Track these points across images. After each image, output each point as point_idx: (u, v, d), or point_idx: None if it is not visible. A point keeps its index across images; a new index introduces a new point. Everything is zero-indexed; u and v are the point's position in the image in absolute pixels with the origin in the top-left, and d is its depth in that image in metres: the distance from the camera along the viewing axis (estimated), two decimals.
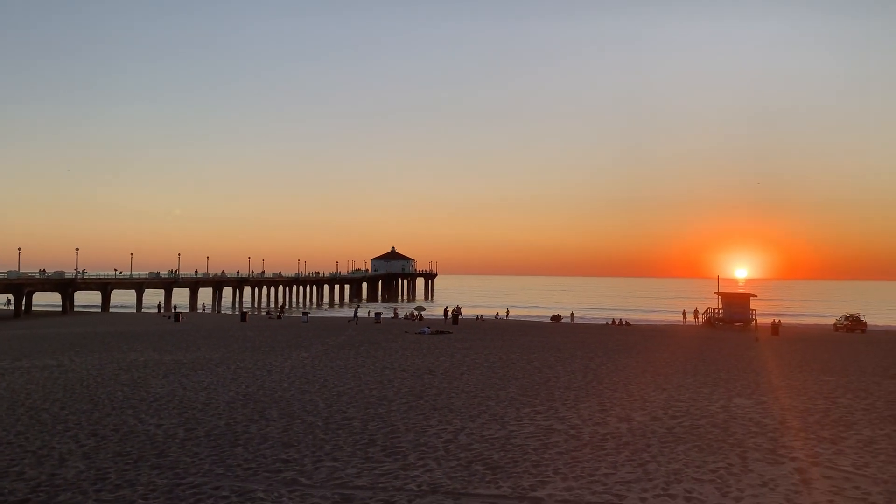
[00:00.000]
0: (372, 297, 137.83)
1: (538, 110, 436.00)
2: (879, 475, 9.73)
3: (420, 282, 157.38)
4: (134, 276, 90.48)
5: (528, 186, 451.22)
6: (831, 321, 66.21)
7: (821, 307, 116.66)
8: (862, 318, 61.21)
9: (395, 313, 73.39)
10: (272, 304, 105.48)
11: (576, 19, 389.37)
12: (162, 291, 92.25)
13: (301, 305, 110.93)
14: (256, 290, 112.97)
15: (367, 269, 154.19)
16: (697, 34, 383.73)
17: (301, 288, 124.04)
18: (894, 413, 15.01)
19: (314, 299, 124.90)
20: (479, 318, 66.94)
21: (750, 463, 10.46)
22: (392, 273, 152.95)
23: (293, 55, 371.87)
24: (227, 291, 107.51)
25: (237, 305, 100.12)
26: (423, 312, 69.87)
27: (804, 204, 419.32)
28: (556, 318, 73.10)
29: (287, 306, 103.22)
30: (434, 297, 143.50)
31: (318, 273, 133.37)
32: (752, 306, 59.21)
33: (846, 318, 61.20)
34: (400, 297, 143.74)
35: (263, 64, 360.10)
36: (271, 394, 17.44)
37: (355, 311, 60.36)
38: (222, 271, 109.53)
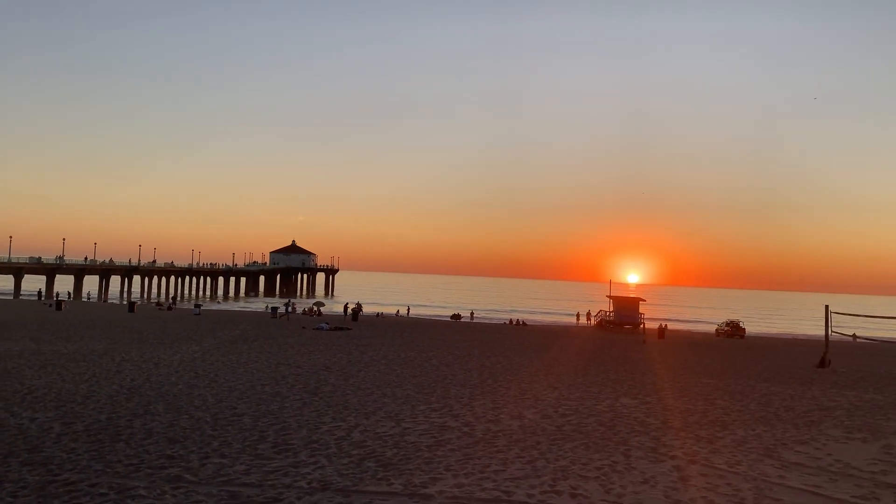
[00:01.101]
0: (269, 292, 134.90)
1: (443, 109, 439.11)
2: (750, 473, 10.32)
3: (320, 277, 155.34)
4: (12, 261, 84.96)
5: (433, 185, 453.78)
6: (713, 327, 69.85)
7: (704, 313, 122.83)
8: (741, 324, 64.97)
9: (294, 308, 72.12)
10: (163, 296, 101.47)
11: (470, 19, 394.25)
12: (44, 278, 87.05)
13: (194, 297, 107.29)
14: (147, 279, 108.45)
15: (266, 263, 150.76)
16: (591, 34, 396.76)
17: (194, 279, 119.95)
18: (766, 414, 15.97)
19: (208, 292, 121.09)
20: (379, 316, 66.75)
21: (633, 461, 10.88)
22: (291, 267, 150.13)
23: (192, 48, 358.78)
24: (116, 280, 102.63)
25: (125, 295, 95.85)
26: (322, 308, 68.93)
27: (692, 214, 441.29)
28: (457, 316, 73.83)
29: (179, 298, 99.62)
30: (334, 293, 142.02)
31: (214, 265, 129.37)
32: (641, 310, 61.73)
33: (727, 324, 64.73)
34: (299, 292, 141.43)
35: (158, 55, 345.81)
36: (158, 388, 16.78)
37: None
38: (111, 259, 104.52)
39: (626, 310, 61.59)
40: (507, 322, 68.03)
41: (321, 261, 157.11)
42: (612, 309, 62.65)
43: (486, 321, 71.65)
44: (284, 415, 13.87)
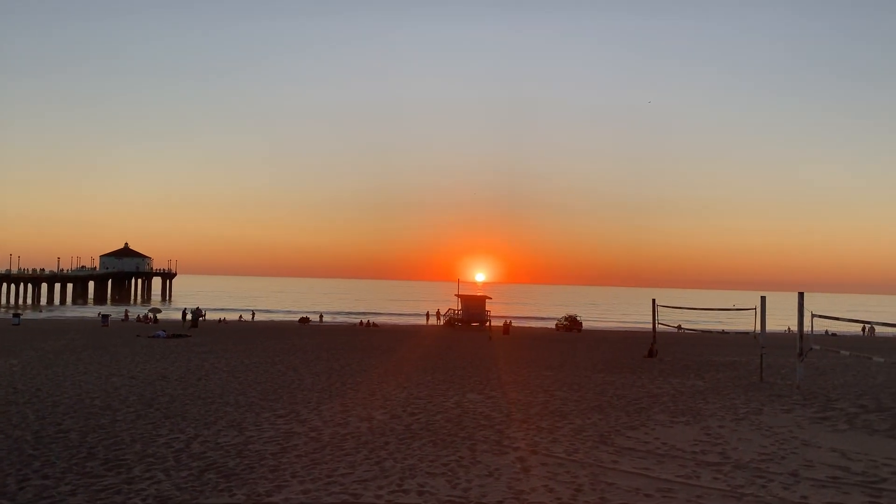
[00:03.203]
0: (100, 298, 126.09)
1: (295, 110, 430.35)
2: (586, 460, 10.87)
3: (157, 281, 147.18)
4: None
5: (279, 185, 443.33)
6: (554, 322, 73.25)
7: (546, 309, 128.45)
8: (578, 318, 68.70)
9: (127, 315, 67.89)
10: None
11: (312, 19, 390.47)
12: None
13: (13, 306, 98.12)
14: None
15: (96, 267, 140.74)
16: (435, 35, 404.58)
17: (13, 286, 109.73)
18: (600, 403, 16.90)
19: (30, 300, 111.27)
20: (221, 322, 64.24)
21: (478, 455, 11.13)
22: (124, 271, 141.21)
23: (13, 35, 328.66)
24: None
25: None
26: (158, 314, 65.37)
27: (534, 214, 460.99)
28: (305, 320, 72.51)
29: None
30: (172, 299, 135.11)
31: (37, 270, 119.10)
32: (487, 308, 63.61)
33: (566, 318, 68.21)
34: (133, 298, 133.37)
35: None
36: None
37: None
38: None
39: (473, 308, 63.24)
40: (358, 324, 67.77)
41: (157, 264, 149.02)
42: (460, 307, 64.08)
43: (337, 324, 71.01)
44: (117, 429, 12.99)
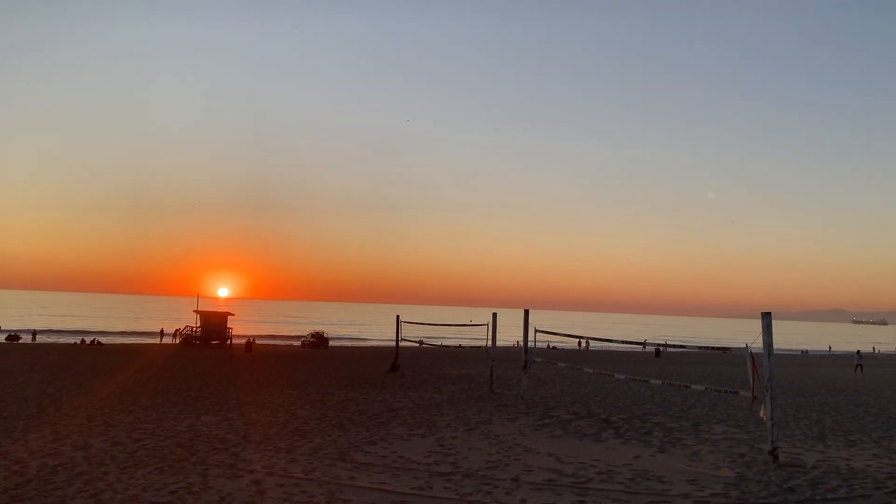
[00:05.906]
0: None
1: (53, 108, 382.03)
2: (324, 478, 10.75)
3: None
4: None
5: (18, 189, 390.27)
6: (301, 339, 72.40)
7: (292, 327, 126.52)
8: (325, 335, 68.64)
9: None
10: None
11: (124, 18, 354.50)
12: None
13: None
14: None
15: None
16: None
17: None
18: (342, 420, 16.90)
19: None
20: None
21: (210, 480, 10.52)
22: None
23: None
24: None
25: None
26: None
27: (279, 228, 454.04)
28: (14, 338, 64.14)
29: None
30: None
31: None
32: (229, 325, 61.12)
33: (312, 335, 67.76)
34: None
35: None
36: None
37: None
38: None
39: (213, 325, 60.43)
40: (79, 343, 61.47)
41: None
42: (198, 324, 60.84)
43: (53, 343, 63.75)
44: None
